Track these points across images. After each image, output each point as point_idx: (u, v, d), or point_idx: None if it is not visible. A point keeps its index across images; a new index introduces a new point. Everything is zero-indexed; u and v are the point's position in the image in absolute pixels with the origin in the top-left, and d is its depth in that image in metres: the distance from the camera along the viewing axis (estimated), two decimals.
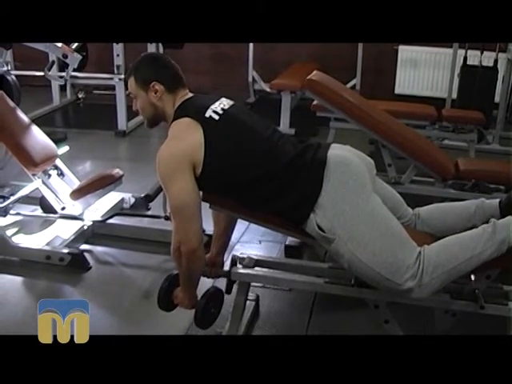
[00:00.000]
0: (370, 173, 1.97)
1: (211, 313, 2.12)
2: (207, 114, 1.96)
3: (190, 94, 2.09)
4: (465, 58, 5.14)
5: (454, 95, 5.16)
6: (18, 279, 2.86)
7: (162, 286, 2.13)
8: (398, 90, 5.95)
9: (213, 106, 1.99)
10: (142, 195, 3.16)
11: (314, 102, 3.67)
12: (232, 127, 1.98)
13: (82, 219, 3.19)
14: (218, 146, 1.92)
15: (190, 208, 1.91)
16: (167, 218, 3.01)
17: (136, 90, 2.06)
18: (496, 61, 5.08)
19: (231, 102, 2.09)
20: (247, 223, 2.98)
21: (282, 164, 1.92)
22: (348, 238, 1.83)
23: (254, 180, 1.92)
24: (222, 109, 2.00)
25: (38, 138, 3.16)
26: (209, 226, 3.13)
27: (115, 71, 5.21)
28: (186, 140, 1.92)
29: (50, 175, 3.14)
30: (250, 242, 3.21)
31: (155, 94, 2.02)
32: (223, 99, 2.08)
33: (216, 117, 1.96)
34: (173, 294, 2.12)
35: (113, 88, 5.16)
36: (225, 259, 2.98)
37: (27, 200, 3.29)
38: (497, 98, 5.04)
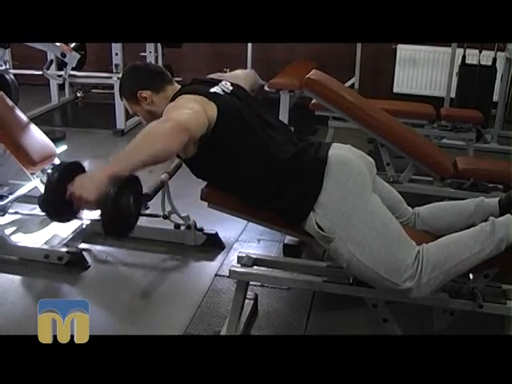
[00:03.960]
0: (370, 172, 1.97)
1: (128, 206, 1.60)
2: (212, 91, 1.97)
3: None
4: (463, 57, 5.14)
5: (453, 94, 5.16)
6: (17, 278, 2.86)
7: (49, 178, 1.62)
8: (396, 89, 5.95)
9: (213, 88, 2.00)
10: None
11: (313, 101, 3.67)
12: (235, 107, 1.97)
13: (80, 218, 3.18)
14: (227, 112, 1.91)
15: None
16: (166, 217, 3.02)
17: (131, 106, 2.10)
18: (494, 60, 5.08)
19: (231, 87, 2.07)
20: (246, 222, 2.98)
21: (281, 160, 1.92)
22: (347, 238, 1.83)
23: (253, 170, 1.92)
24: (223, 90, 2.01)
25: (37, 136, 3.15)
26: (207, 225, 3.15)
27: (114, 70, 5.20)
28: (197, 97, 1.90)
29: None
30: (249, 240, 3.21)
31: (146, 100, 2.04)
32: (223, 82, 2.07)
33: (221, 92, 1.98)
34: (68, 187, 1.58)
35: (111, 87, 5.15)
36: (223, 258, 3.01)
37: (26, 199, 3.28)
38: (495, 97, 5.05)
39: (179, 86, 2.09)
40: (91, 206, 1.59)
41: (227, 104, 1.95)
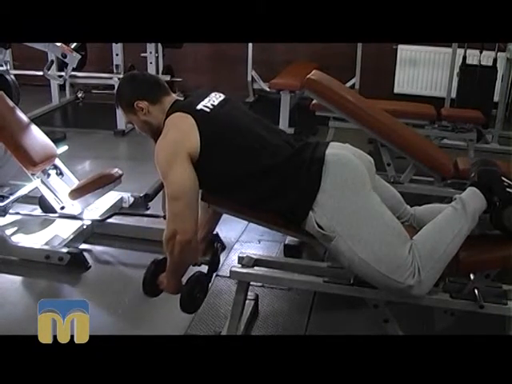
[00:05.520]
0: (369, 171, 1.97)
1: (197, 297, 2.10)
2: (198, 107, 1.98)
3: (180, 98, 2.13)
4: (464, 58, 5.14)
5: (453, 94, 5.16)
6: (18, 279, 2.86)
7: (147, 271, 2.11)
8: (397, 90, 5.94)
9: (203, 103, 2.01)
10: (141, 194, 3.16)
11: (314, 102, 3.67)
12: (223, 121, 1.99)
13: (81, 219, 3.19)
14: (212, 134, 1.93)
15: (189, 195, 1.90)
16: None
17: (127, 115, 2.11)
18: (495, 60, 5.09)
19: (221, 98, 2.09)
20: (246, 223, 2.98)
21: (278, 162, 1.92)
22: (348, 236, 1.83)
23: (250, 175, 1.92)
24: (212, 104, 2.02)
25: (38, 137, 3.15)
26: None
27: (114, 70, 5.21)
28: (181, 129, 1.93)
29: (49, 175, 3.14)
30: (249, 241, 3.21)
31: (142, 111, 2.04)
32: (212, 95, 2.08)
33: (207, 109, 1.99)
34: (158, 279, 2.10)
35: (112, 87, 5.15)
36: (224, 258, 3.00)
37: (26, 199, 3.29)
38: (496, 97, 5.05)
39: (175, 98, 2.10)
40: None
41: (212, 121, 1.96)
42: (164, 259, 2.05)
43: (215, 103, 2.03)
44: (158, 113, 2.04)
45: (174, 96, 2.12)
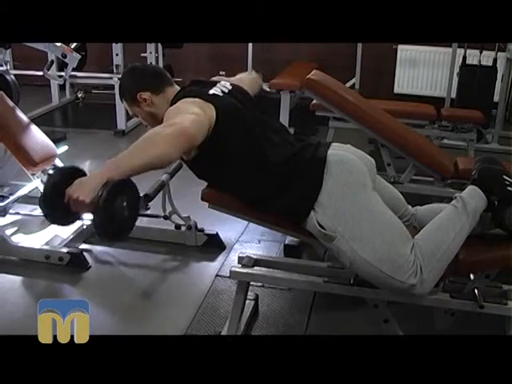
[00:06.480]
0: (370, 171, 1.97)
1: (121, 208, 1.58)
2: (210, 92, 1.97)
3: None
4: (464, 58, 5.15)
5: (453, 94, 5.16)
6: (18, 279, 2.86)
7: (47, 180, 1.64)
8: (397, 90, 5.95)
9: (212, 90, 2.00)
10: (141, 195, 3.16)
11: (314, 101, 3.67)
12: (234, 109, 1.97)
13: (81, 218, 3.18)
14: (226, 112, 1.91)
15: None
16: (166, 218, 3.02)
17: (131, 108, 2.10)
18: (495, 60, 5.09)
19: (230, 88, 2.07)
20: (246, 223, 2.98)
21: (280, 161, 1.92)
22: (349, 236, 1.83)
23: (250, 172, 1.91)
24: (223, 91, 2.02)
25: (38, 137, 3.15)
26: (208, 226, 3.15)
27: (114, 71, 5.20)
28: (196, 102, 1.89)
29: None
30: (250, 241, 3.21)
31: (145, 102, 2.04)
32: (219, 85, 2.06)
33: (219, 93, 1.98)
34: (66, 191, 1.57)
35: (112, 87, 5.15)
36: (224, 258, 3.01)
37: (26, 199, 3.28)
38: (496, 98, 5.05)
39: (178, 88, 2.09)
40: (87, 209, 1.57)
41: (225, 105, 1.94)
42: (72, 168, 1.69)
43: (226, 91, 2.03)
44: (162, 103, 2.02)
45: (177, 87, 2.10)
